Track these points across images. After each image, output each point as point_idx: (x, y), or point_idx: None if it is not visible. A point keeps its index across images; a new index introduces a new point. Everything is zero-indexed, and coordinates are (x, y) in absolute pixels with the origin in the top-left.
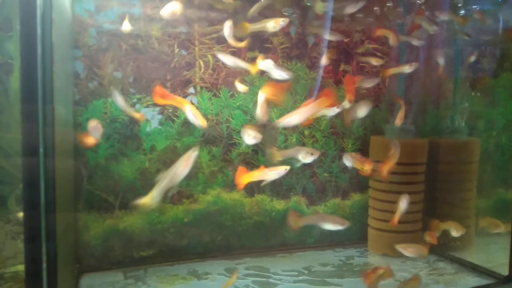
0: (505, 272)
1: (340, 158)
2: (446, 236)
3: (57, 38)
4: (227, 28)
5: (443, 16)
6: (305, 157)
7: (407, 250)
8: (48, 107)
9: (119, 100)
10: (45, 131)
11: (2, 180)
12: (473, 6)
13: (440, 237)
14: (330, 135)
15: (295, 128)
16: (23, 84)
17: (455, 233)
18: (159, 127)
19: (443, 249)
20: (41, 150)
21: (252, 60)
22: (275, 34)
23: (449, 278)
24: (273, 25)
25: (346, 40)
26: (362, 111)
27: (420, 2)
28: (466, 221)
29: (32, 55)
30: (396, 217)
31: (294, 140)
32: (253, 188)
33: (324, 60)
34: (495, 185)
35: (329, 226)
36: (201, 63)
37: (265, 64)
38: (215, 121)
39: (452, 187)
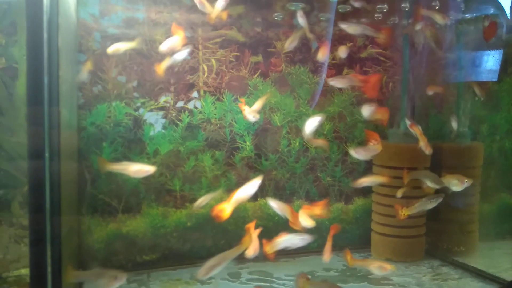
0: (509, 277)
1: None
2: (450, 241)
3: (63, 42)
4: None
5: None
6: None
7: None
8: (54, 110)
9: None
10: (51, 135)
11: (5, 183)
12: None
13: (444, 242)
14: (334, 139)
15: (298, 132)
16: (29, 88)
17: (459, 185)
18: (163, 131)
19: (446, 254)
20: (46, 153)
21: (256, 64)
22: (278, 38)
23: (453, 284)
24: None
25: (349, 45)
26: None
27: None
28: (470, 226)
29: (38, 60)
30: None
31: (297, 144)
32: (256, 192)
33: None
34: (499, 190)
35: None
36: (205, 67)
37: None
38: (218, 125)
39: (455, 192)
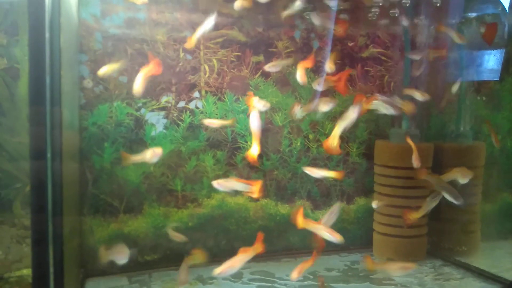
0: (510, 277)
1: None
2: (452, 241)
3: (64, 42)
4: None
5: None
6: None
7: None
8: (56, 111)
9: None
10: (52, 135)
11: (7, 184)
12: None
13: (445, 241)
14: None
15: (299, 132)
16: (31, 88)
17: (462, 179)
18: (164, 131)
19: (448, 254)
20: (48, 153)
21: (257, 64)
22: (279, 38)
23: (455, 283)
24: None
25: (350, 44)
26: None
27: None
28: (471, 226)
29: (40, 60)
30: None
31: (298, 144)
32: None
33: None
34: (501, 190)
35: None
36: (206, 67)
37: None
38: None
39: (457, 191)
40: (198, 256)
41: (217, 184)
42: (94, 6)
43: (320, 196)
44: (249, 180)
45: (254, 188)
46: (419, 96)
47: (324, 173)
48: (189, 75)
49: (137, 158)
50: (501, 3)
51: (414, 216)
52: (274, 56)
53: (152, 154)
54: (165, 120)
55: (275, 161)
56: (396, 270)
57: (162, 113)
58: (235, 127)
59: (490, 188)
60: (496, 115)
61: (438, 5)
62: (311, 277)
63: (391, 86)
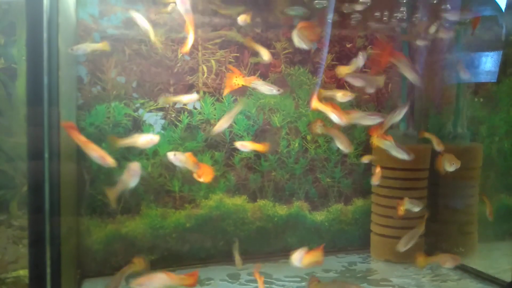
0: (508, 278)
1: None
2: (449, 243)
3: (62, 43)
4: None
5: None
6: None
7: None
8: (53, 111)
9: None
10: (50, 135)
11: (4, 184)
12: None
13: (443, 243)
14: (333, 140)
15: (297, 133)
16: (29, 88)
17: (448, 166)
18: (162, 132)
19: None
20: (46, 154)
21: (255, 65)
22: (278, 39)
23: (452, 285)
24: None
25: (348, 46)
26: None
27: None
28: (469, 227)
29: (38, 60)
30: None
31: (296, 145)
32: (256, 193)
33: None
34: (498, 191)
35: None
36: (204, 68)
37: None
38: None
39: (454, 193)
40: (138, 264)
41: (173, 156)
42: (92, 6)
43: (318, 197)
44: (200, 163)
45: (203, 171)
46: (437, 145)
47: (252, 146)
48: (187, 76)
49: (126, 141)
50: (497, 4)
51: (402, 207)
52: (273, 57)
53: (147, 142)
54: (163, 121)
55: (273, 162)
56: (447, 262)
57: (160, 113)
58: (233, 128)
59: (487, 189)
60: (493, 116)
61: (435, 1)
62: (308, 278)
63: (389, 87)
